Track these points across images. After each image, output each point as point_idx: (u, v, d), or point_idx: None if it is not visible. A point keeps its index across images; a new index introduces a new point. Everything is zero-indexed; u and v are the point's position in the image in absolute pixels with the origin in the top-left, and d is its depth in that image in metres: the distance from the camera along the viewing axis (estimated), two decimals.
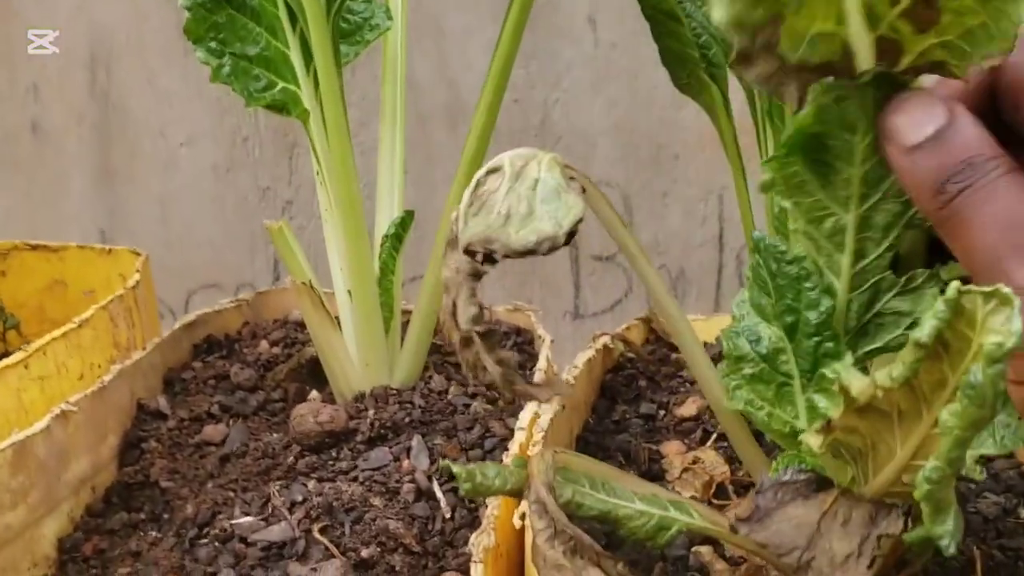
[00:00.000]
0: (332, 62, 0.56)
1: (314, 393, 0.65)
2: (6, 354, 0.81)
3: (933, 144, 0.34)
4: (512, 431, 0.57)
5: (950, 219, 0.33)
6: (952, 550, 0.32)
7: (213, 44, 0.57)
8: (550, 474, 0.39)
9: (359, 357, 0.63)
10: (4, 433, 0.53)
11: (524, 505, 0.46)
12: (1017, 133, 0.35)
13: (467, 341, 0.42)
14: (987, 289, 0.29)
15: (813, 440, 0.36)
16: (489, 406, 0.61)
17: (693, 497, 0.59)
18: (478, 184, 0.44)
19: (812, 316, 0.39)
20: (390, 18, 0.60)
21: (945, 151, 0.34)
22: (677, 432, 0.62)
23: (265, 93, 0.58)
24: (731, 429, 0.48)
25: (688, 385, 0.69)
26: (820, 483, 0.40)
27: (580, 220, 0.42)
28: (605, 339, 0.68)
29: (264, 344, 0.72)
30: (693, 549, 0.49)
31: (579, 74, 1.38)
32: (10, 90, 1.42)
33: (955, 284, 0.30)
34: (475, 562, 0.41)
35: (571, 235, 0.41)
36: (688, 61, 0.55)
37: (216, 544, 0.52)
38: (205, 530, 0.53)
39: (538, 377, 0.58)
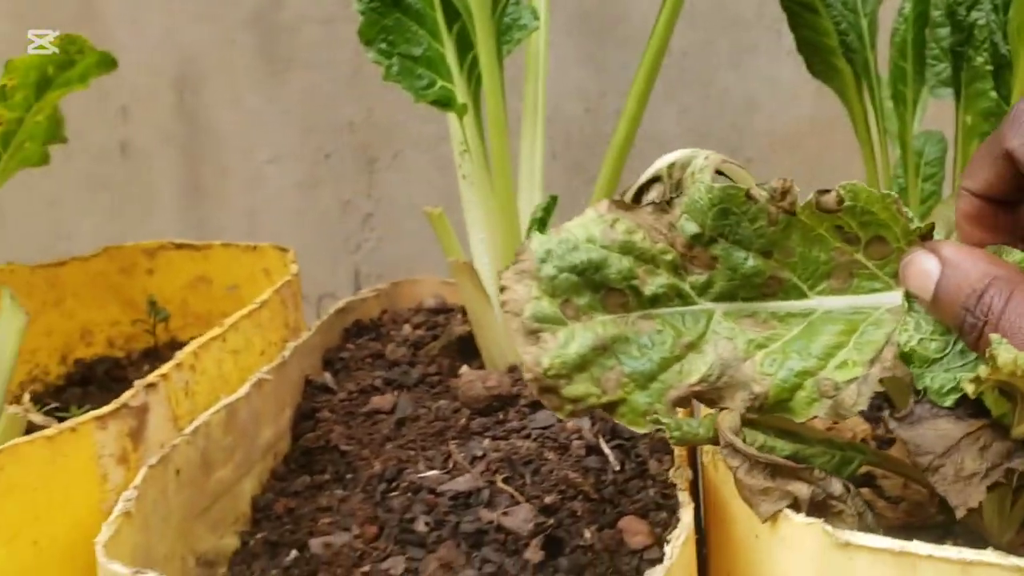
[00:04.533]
0: (495, 59, 0.61)
1: (465, 368, 0.70)
2: (155, 347, 0.88)
3: (943, 296, 0.40)
4: None
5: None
6: None
7: (383, 46, 0.63)
8: (737, 422, 0.44)
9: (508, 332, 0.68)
10: (211, 399, 0.59)
11: (709, 450, 0.50)
12: None
13: None
14: None
15: (967, 387, 0.40)
16: None
17: None
18: (641, 192, 0.50)
19: None
20: (536, 18, 0.65)
21: (951, 299, 0.39)
22: None
23: (428, 91, 0.64)
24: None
25: None
26: (976, 410, 0.44)
27: None
28: None
29: (407, 327, 0.77)
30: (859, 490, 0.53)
31: None
32: (100, 112, 1.48)
33: None
34: (680, 490, 0.46)
35: None
36: (823, 49, 0.60)
37: (408, 495, 0.57)
38: (393, 484, 0.58)
39: None
